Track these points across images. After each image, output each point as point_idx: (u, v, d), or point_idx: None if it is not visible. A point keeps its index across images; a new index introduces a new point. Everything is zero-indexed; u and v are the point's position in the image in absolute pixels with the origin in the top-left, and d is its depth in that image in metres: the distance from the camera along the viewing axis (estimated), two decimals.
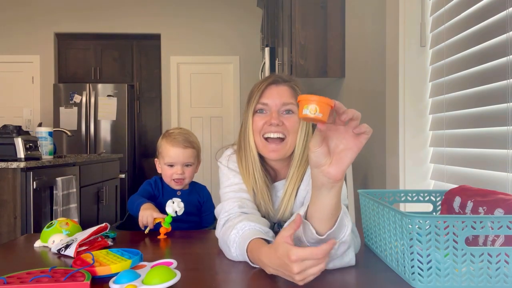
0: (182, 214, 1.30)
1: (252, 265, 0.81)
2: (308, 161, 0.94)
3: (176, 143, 1.30)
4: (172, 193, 1.34)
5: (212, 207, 1.41)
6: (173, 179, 1.31)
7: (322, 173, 0.68)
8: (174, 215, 1.11)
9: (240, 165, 1.06)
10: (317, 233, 0.72)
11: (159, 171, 1.36)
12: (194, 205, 1.35)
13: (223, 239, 0.90)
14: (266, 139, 1.01)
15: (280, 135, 1.00)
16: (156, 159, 1.38)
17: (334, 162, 0.67)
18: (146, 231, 1.13)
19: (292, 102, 1.02)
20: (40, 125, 2.74)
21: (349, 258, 0.80)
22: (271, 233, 0.90)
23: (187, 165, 1.32)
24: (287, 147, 1.01)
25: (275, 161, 1.06)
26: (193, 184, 1.40)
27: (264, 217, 1.01)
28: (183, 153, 1.30)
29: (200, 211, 1.38)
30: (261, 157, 1.07)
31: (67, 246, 0.91)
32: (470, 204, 0.81)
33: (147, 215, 1.15)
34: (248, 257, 0.81)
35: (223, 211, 0.99)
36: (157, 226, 1.13)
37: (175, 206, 1.11)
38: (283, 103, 1.01)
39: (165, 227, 1.11)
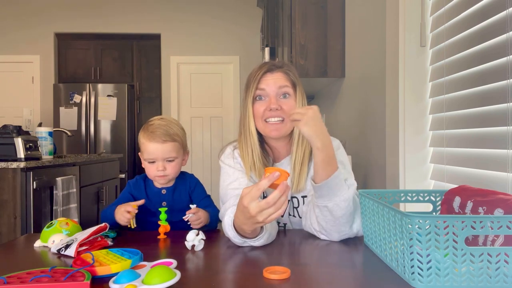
0: (176, 213, 1.23)
1: (241, 239, 0.94)
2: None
3: (153, 137, 1.17)
4: (157, 193, 1.24)
5: (204, 193, 1.30)
6: (156, 176, 1.21)
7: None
8: (189, 246, 0.97)
9: (240, 148, 1.17)
10: (314, 182, 0.97)
11: (143, 166, 1.26)
12: (183, 200, 1.25)
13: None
14: (267, 122, 1.14)
15: (280, 118, 1.13)
16: (139, 153, 1.27)
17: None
18: (132, 225, 1.11)
19: (287, 85, 1.14)
20: (40, 125, 2.74)
21: (357, 229, 1.01)
22: None
23: (169, 161, 1.20)
24: (287, 127, 1.14)
25: (276, 140, 1.18)
26: (178, 177, 1.27)
27: None
28: (162, 148, 1.17)
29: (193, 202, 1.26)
30: (262, 140, 1.20)
31: (67, 246, 0.91)
32: (470, 204, 0.81)
33: (121, 213, 1.10)
34: (235, 230, 0.94)
35: (227, 210, 1.04)
36: (157, 226, 1.12)
37: (196, 239, 0.96)
38: (279, 86, 1.13)
39: (163, 225, 1.10)
